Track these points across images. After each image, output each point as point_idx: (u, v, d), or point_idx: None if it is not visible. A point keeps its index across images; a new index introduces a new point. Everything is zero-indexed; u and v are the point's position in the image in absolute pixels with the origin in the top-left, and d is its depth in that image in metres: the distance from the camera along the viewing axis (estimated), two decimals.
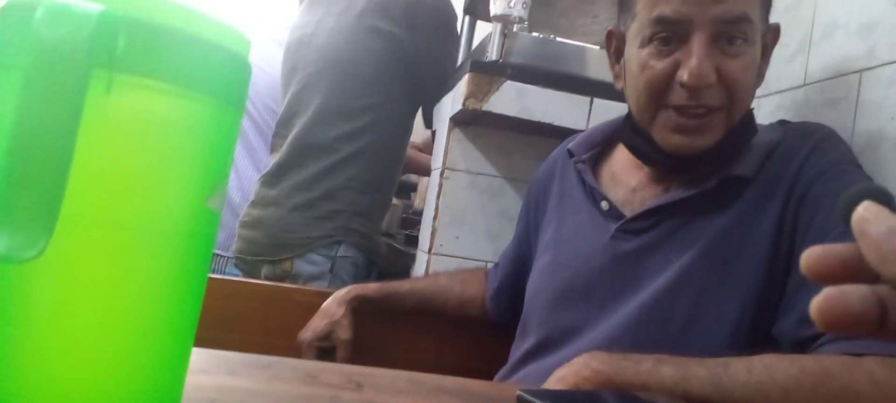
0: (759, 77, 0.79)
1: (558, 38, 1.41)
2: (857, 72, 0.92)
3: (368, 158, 1.54)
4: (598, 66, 1.29)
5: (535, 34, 1.36)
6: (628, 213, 0.80)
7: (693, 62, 0.71)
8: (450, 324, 1.15)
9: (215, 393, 0.45)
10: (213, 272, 1.64)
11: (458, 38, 1.67)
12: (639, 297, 0.75)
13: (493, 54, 1.22)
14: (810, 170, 0.72)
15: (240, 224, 1.63)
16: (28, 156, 0.28)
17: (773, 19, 0.84)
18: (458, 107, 1.22)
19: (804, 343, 0.65)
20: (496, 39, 1.23)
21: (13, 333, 0.32)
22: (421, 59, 1.57)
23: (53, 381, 0.33)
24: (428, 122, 1.68)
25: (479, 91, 1.19)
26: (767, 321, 0.71)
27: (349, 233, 1.51)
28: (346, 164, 1.53)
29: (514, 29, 1.25)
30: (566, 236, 0.87)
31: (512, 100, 1.21)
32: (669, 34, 0.73)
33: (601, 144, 0.91)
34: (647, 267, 0.77)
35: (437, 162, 1.43)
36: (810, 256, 0.29)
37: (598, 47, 1.36)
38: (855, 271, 0.28)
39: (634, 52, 0.77)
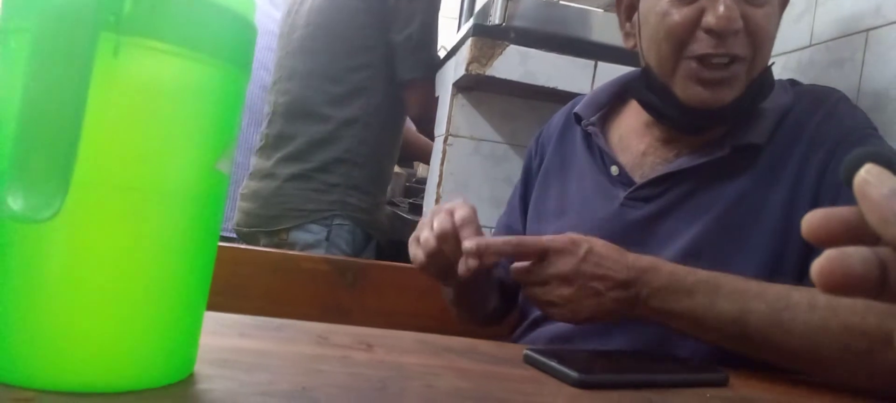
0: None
1: (562, 2, 1.39)
2: (863, 31, 0.92)
3: (361, 127, 1.53)
4: (602, 29, 1.28)
5: None
6: (638, 179, 0.79)
7: (720, 6, 0.69)
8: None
9: (229, 354, 0.45)
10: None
11: None
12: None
13: (495, 18, 1.21)
14: (828, 137, 0.71)
15: (239, 196, 1.65)
16: (40, 119, 0.29)
17: None
18: (461, 72, 1.21)
19: None
20: (499, 3, 1.22)
21: (29, 293, 0.33)
22: (396, 12, 1.53)
23: (69, 340, 0.33)
24: (401, 83, 1.58)
25: (483, 55, 1.18)
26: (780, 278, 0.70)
27: (346, 207, 1.52)
28: (339, 135, 1.53)
29: None
30: (572, 203, 0.85)
31: (515, 64, 1.20)
32: None
33: (607, 105, 0.88)
34: (657, 235, 0.75)
35: (440, 128, 1.43)
36: (812, 219, 0.30)
37: (602, 10, 1.35)
38: (856, 233, 0.29)
39: (652, 3, 0.74)
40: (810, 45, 1.03)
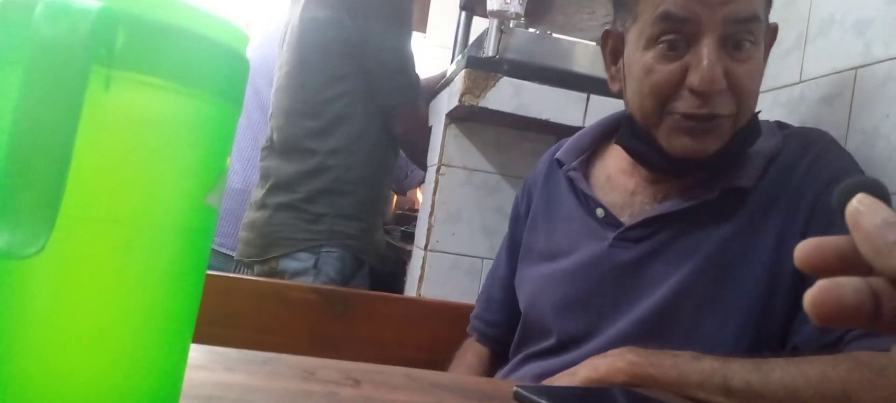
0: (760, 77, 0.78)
1: (555, 34, 1.41)
2: (852, 69, 0.93)
3: (347, 155, 1.54)
4: (595, 62, 1.29)
5: (531, 30, 1.36)
6: (627, 219, 0.79)
7: (704, 66, 0.68)
8: (444, 321, 1.15)
9: (213, 389, 0.45)
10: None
11: (408, 16, 1.58)
12: (639, 308, 0.74)
13: (489, 50, 1.22)
14: (816, 181, 0.71)
15: (241, 227, 1.66)
16: (28, 153, 0.28)
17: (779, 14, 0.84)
18: (455, 103, 1.22)
19: (829, 349, 0.64)
20: (493, 35, 1.23)
21: (12, 328, 0.32)
22: (364, 41, 1.52)
23: (53, 376, 0.33)
24: (384, 110, 1.59)
25: (476, 87, 1.19)
26: (770, 332, 0.70)
27: (334, 236, 1.52)
28: (326, 165, 1.54)
29: (511, 25, 1.25)
30: (561, 245, 0.85)
31: (508, 96, 1.21)
32: (677, 36, 0.70)
33: (590, 148, 0.88)
34: (645, 277, 0.75)
35: (433, 158, 1.43)
36: (804, 249, 0.30)
37: (594, 43, 1.36)
38: (849, 263, 0.29)
39: (637, 55, 0.73)
40: (801, 81, 1.04)
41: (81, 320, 0.33)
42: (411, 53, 1.59)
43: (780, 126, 0.81)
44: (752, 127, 0.75)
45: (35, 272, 0.32)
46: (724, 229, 0.73)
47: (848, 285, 0.27)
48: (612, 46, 0.81)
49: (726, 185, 0.73)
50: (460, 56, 1.50)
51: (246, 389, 0.46)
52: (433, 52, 2.89)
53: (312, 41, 1.54)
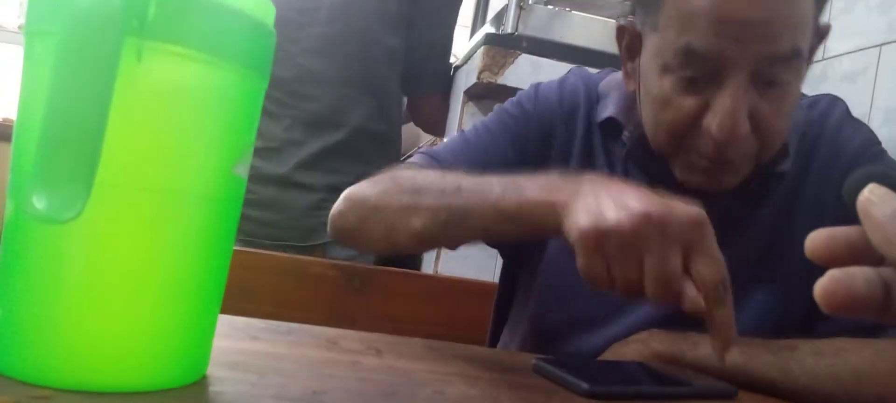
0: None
1: (574, 11, 1.40)
2: (876, 46, 0.92)
3: (396, 139, 1.48)
4: (613, 39, 1.28)
5: (550, 7, 1.35)
6: None
7: (725, 112, 0.59)
8: (462, 295, 1.16)
9: (240, 357, 0.46)
10: None
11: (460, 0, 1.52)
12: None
13: (508, 27, 1.22)
14: (842, 157, 0.69)
15: (247, 202, 1.53)
16: (64, 122, 0.29)
17: None
18: (473, 80, 1.22)
19: (871, 329, 0.60)
20: (512, 12, 1.23)
21: (48, 293, 0.33)
22: (418, 15, 1.41)
23: (86, 340, 0.34)
24: (414, 91, 1.50)
25: (494, 64, 1.19)
26: (811, 311, 0.68)
27: None
28: (368, 145, 1.43)
29: (530, 1, 1.25)
30: None
31: (527, 73, 1.21)
32: (697, 73, 0.61)
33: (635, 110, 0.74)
34: None
35: (450, 136, 1.43)
36: (815, 239, 0.30)
37: (613, 20, 1.35)
38: (860, 253, 0.29)
39: (653, 76, 0.65)
40: (823, 58, 1.03)
41: (115, 284, 0.34)
42: (453, 41, 1.52)
43: (802, 102, 0.78)
44: (777, 156, 0.67)
45: (71, 237, 0.33)
46: (765, 212, 0.70)
47: (859, 275, 0.28)
48: (628, 42, 0.71)
49: (767, 172, 0.68)
50: (479, 33, 1.49)
51: (272, 357, 0.47)
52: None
53: (363, 10, 1.38)
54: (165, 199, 0.35)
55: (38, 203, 0.28)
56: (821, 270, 0.73)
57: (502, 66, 1.19)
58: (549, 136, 0.77)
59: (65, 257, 0.33)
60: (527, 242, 0.78)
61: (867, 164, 0.68)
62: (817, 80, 1.05)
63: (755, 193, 0.69)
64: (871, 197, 0.28)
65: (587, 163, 0.75)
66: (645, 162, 0.70)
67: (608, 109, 0.74)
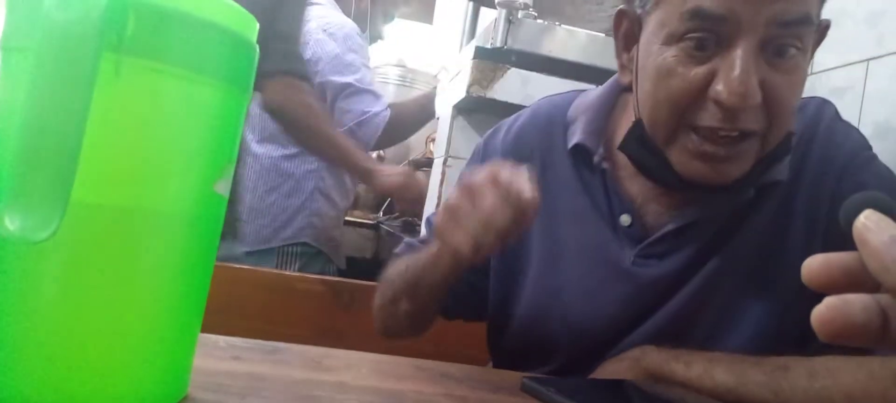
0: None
1: (563, 26, 1.40)
2: (864, 61, 0.92)
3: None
4: (603, 54, 1.28)
5: (539, 21, 1.36)
6: (652, 220, 0.68)
7: (735, 75, 0.56)
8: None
9: (222, 378, 0.45)
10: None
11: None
12: (658, 319, 0.68)
13: (497, 41, 1.22)
14: (834, 163, 0.66)
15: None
16: (40, 138, 0.28)
17: None
18: (462, 94, 1.22)
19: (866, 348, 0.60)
20: (501, 26, 1.23)
21: (24, 313, 0.32)
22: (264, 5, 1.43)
23: (63, 361, 0.33)
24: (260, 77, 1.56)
25: (484, 78, 1.18)
26: (792, 333, 0.66)
27: None
28: None
29: (519, 15, 1.25)
30: (567, 251, 0.71)
31: (516, 87, 1.20)
32: (707, 35, 0.57)
33: (602, 128, 0.72)
34: (673, 293, 0.67)
35: (440, 150, 1.43)
36: (811, 266, 0.29)
37: (603, 35, 1.35)
38: (857, 279, 0.28)
39: (655, 49, 0.61)
40: (811, 73, 1.04)
41: (92, 306, 0.33)
42: (302, 28, 1.57)
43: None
44: (782, 148, 0.63)
45: (46, 257, 0.32)
46: (756, 227, 0.66)
47: (856, 302, 0.27)
48: (626, 29, 0.67)
49: (763, 181, 0.64)
50: (467, 46, 1.49)
51: (254, 378, 0.46)
52: (439, 42, 2.88)
53: None
54: (143, 218, 0.34)
55: (11, 223, 0.27)
56: (805, 293, 0.71)
57: (491, 80, 1.19)
58: None
59: (40, 278, 0.32)
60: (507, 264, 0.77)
61: (857, 171, 0.66)
62: (806, 92, 1.06)
63: (749, 201, 0.66)
64: (868, 223, 0.28)
65: (561, 192, 0.73)
66: (641, 156, 0.65)
67: (576, 136, 0.71)
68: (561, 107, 0.77)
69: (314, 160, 1.66)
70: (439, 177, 1.36)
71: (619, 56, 0.70)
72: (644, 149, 0.64)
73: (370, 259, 2.19)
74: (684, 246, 0.66)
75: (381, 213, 2.34)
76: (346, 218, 2.14)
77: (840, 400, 0.53)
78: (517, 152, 0.76)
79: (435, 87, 1.76)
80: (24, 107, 0.29)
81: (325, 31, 1.65)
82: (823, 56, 1.01)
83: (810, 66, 1.03)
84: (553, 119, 0.76)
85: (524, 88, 1.21)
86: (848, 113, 0.92)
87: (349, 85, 1.64)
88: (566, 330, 0.71)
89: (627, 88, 0.70)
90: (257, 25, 0.39)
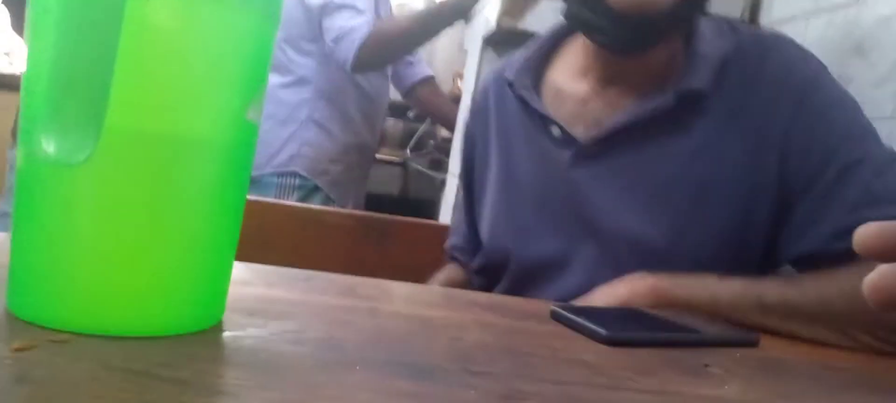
0: None
1: None
2: None
3: None
4: None
5: None
6: (582, 133, 0.75)
7: None
8: None
9: (256, 303, 0.46)
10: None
11: None
12: (610, 231, 0.72)
13: None
14: (789, 87, 0.69)
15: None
16: (72, 65, 0.28)
17: None
18: (491, 26, 1.19)
19: (839, 257, 0.61)
20: None
21: (62, 237, 0.33)
22: None
23: (101, 284, 0.34)
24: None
25: (514, 8, 1.16)
26: (752, 245, 0.69)
27: None
28: None
29: None
30: (517, 171, 0.81)
31: (549, 17, 1.18)
32: None
33: (540, 64, 0.83)
34: (610, 197, 0.73)
35: (468, 85, 1.41)
36: (864, 234, 0.29)
37: None
38: None
39: None
40: (856, 1, 0.99)
41: (126, 229, 0.34)
42: None
43: (732, 26, 0.75)
44: (694, 75, 0.70)
45: (82, 182, 0.32)
46: (687, 140, 0.71)
47: None
48: None
49: (681, 89, 0.70)
50: None
51: (288, 303, 0.47)
52: None
53: None
54: (176, 144, 0.34)
55: (48, 146, 0.28)
56: (759, 206, 0.72)
57: (522, 10, 1.16)
58: (472, 141, 0.91)
59: (76, 202, 0.33)
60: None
61: (816, 97, 0.68)
62: (851, 24, 1.02)
63: (675, 117, 0.70)
64: None
65: (511, 123, 0.83)
66: (577, 8, 0.73)
67: (506, 72, 0.83)
68: (515, 55, 0.88)
69: (309, 89, 1.63)
70: (467, 112, 1.35)
71: None
72: (581, 5, 0.72)
73: (397, 196, 2.21)
74: (615, 149, 0.73)
75: (408, 151, 2.34)
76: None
77: (848, 288, 0.59)
78: (483, 97, 0.90)
79: (436, 2, 1.67)
80: (55, 35, 0.29)
81: None
82: None
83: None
84: (506, 65, 0.88)
85: (557, 17, 1.18)
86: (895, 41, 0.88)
87: (330, 1, 1.57)
88: (516, 240, 0.79)
89: (568, 32, 0.82)
90: None
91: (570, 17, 0.76)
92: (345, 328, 0.44)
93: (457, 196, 1.01)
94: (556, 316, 0.55)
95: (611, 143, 0.73)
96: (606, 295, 0.66)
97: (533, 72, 0.82)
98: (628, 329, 0.53)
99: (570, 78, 0.79)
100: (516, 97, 0.81)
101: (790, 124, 0.68)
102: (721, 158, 0.70)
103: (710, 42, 0.72)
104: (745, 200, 0.69)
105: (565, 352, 0.46)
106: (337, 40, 1.55)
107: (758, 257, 0.70)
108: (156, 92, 0.33)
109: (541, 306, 0.59)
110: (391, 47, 1.60)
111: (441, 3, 1.57)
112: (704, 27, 0.74)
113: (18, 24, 1.81)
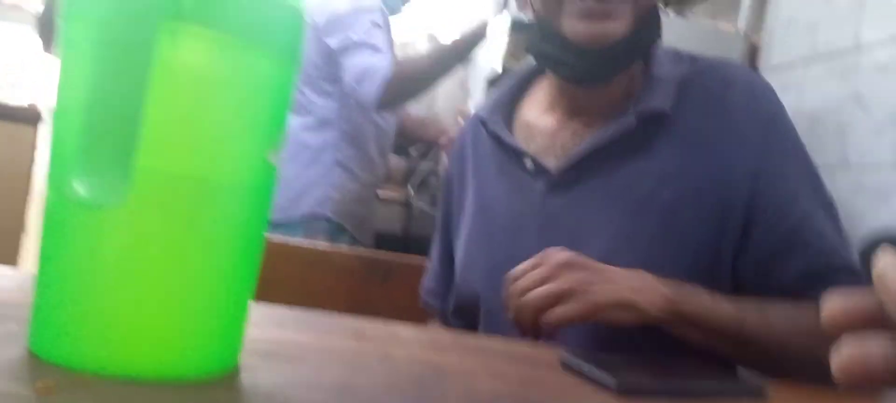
0: None
1: None
2: None
3: None
4: None
5: None
6: (552, 162, 0.77)
7: None
8: None
9: (270, 346, 0.46)
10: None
11: None
12: (586, 255, 0.70)
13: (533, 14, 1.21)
14: (756, 119, 0.72)
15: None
16: (106, 106, 0.29)
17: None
18: (496, 69, 1.21)
19: (802, 295, 0.67)
20: None
21: (86, 278, 0.33)
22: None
23: (123, 326, 0.34)
24: None
25: (519, 51, 1.17)
26: (720, 267, 0.71)
27: None
28: None
29: None
30: (491, 203, 0.83)
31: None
32: None
33: (510, 102, 0.87)
34: (584, 223, 0.74)
35: None
36: (832, 309, 0.30)
37: None
38: (876, 320, 0.29)
39: None
40: (856, 47, 1.01)
41: (151, 272, 0.34)
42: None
43: (683, 56, 0.79)
44: (653, 17, 0.75)
45: (109, 223, 0.33)
46: (652, 163, 0.73)
47: (876, 352, 0.28)
48: None
49: (642, 110, 0.73)
50: (501, 15, 1.47)
51: (301, 347, 0.47)
52: (471, 15, 2.86)
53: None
54: (200, 186, 0.34)
55: (80, 188, 0.28)
56: (728, 230, 0.71)
57: (526, 53, 1.18)
58: (450, 185, 0.93)
59: (104, 244, 0.33)
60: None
61: (779, 136, 0.72)
62: (849, 70, 1.03)
63: (640, 139, 0.73)
64: (887, 267, 0.28)
65: (486, 161, 0.86)
66: (541, 46, 0.77)
67: (480, 111, 0.87)
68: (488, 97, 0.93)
69: (332, 131, 1.63)
70: None
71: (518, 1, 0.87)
72: (543, 42, 0.76)
73: (400, 234, 2.21)
74: (586, 176, 0.75)
75: (411, 189, 2.36)
76: (376, 194, 2.15)
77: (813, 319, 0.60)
78: (461, 139, 0.93)
79: (450, 40, 1.67)
80: (89, 75, 0.29)
81: None
82: (868, 30, 0.98)
83: (854, 38, 1.00)
84: (479, 107, 0.92)
85: None
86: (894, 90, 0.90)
87: (348, 41, 1.56)
88: (487, 273, 0.79)
89: (537, 71, 0.86)
90: None
91: (535, 53, 0.80)
92: (358, 373, 0.43)
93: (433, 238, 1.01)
94: (566, 365, 0.55)
95: (580, 171, 0.75)
96: (631, 291, 0.64)
97: (504, 109, 0.85)
98: (638, 377, 0.53)
99: (539, 113, 0.83)
100: (490, 134, 0.84)
101: (760, 159, 0.71)
102: (688, 181, 0.72)
103: (667, 67, 0.76)
104: (715, 223, 0.70)
105: None
106: (359, 80, 1.54)
107: (727, 277, 0.71)
108: (183, 134, 0.34)
109: (550, 353, 0.58)
110: (412, 85, 1.59)
111: (455, 40, 1.59)
112: (661, 54, 0.78)
113: (49, 46, 1.84)
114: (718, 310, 0.64)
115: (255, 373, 0.39)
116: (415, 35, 2.49)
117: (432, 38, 2.51)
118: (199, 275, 0.35)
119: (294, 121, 1.61)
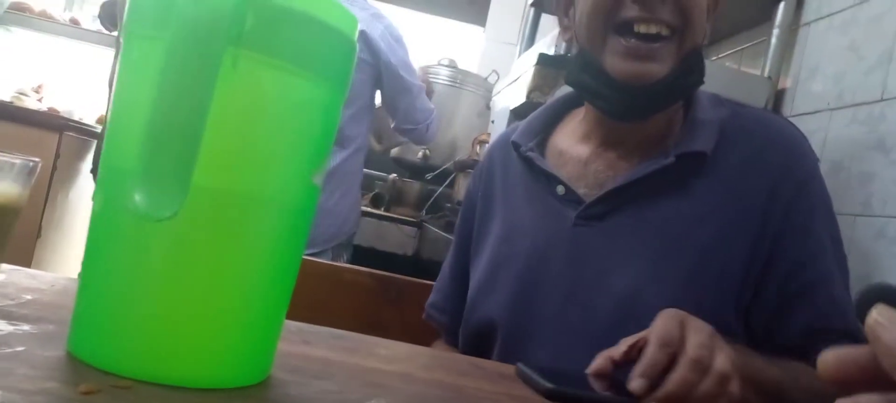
0: (708, 25, 0.77)
1: None
2: None
3: None
4: None
5: None
6: (583, 190, 0.77)
7: None
8: None
9: (297, 360, 0.46)
10: None
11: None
12: (612, 291, 0.72)
13: (560, 48, 1.22)
14: (791, 177, 0.72)
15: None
16: (169, 123, 0.30)
17: (857, 29, 0.81)
18: (522, 99, 1.23)
19: (807, 352, 0.67)
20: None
21: (134, 286, 0.35)
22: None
23: (165, 334, 0.35)
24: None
25: (545, 84, 1.19)
26: (740, 310, 0.71)
27: None
28: None
29: None
30: (518, 228, 0.81)
31: (575, 93, 1.21)
32: None
33: (544, 128, 0.86)
34: (613, 255, 0.73)
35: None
36: (827, 363, 0.30)
37: None
38: (871, 374, 0.29)
39: None
40: (882, 100, 1.01)
41: (195, 282, 0.35)
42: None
43: (724, 100, 0.79)
44: (696, 60, 0.74)
45: (157, 234, 0.34)
46: (689, 204, 0.73)
47: None
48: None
49: (683, 150, 0.72)
50: (528, 52, 1.50)
51: (326, 363, 0.48)
52: (492, 46, 2.89)
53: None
54: (247, 203, 0.36)
55: (140, 200, 0.29)
56: (750, 275, 0.72)
57: (552, 87, 1.19)
58: (472, 202, 0.91)
59: (152, 254, 0.34)
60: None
61: (813, 188, 0.72)
62: (876, 121, 1.04)
63: (676, 177, 0.73)
64: (880, 319, 0.28)
65: (516, 185, 0.85)
66: (580, 77, 0.77)
67: (513, 136, 0.86)
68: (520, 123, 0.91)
69: (360, 157, 1.75)
70: None
71: (560, 22, 0.85)
72: (583, 72, 0.76)
73: (411, 256, 2.21)
74: (619, 210, 0.74)
75: (424, 212, 2.36)
76: (390, 215, 2.17)
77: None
78: (488, 160, 0.92)
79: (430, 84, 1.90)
80: (154, 93, 0.31)
81: (393, 36, 1.71)
82: (895, 80, 0.98)
83: (881, 92, 1.01)
84: (510, 130, 0.91)
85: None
86: None
87: (414, 85, 1.74)
88: (517, 293, 0.78)
89: (568, 46, 0.88)
90: (358, 25, 0.41)
91: (573, 83, 0.80)
92: (382, 392, 0.44)
93: (447, 256, 1.01)
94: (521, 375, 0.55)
95: (613, 203, 0.75)
96: (697, 346, 0.56)
97: (538, 135, 0.85)
98: (572, 386, 0.53)
99: (573, 142, 0.82)
100: (521, 158, 0.84)
101: (789, 210, 0.71)
102: (723, 226, 0.71)
103: (708, 110, 0.76)
104: (744, 270, 0.70)
105: None
106: (428, 124, 1.76)
107: (741, 322, 0.71)
108: (235, 153, 0.35)
109: (510, 367, 0.59)
110: None
111: None
112: (702, 96, 0.78)
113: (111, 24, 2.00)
114: (767, 372, 0.64)
115: (285, 386, 0.40)
116: (436, 60, 2.52)
117: (452, 64, 2.54)
118: (239, 288, 0.36)
119: (336, 153, 1.72)
